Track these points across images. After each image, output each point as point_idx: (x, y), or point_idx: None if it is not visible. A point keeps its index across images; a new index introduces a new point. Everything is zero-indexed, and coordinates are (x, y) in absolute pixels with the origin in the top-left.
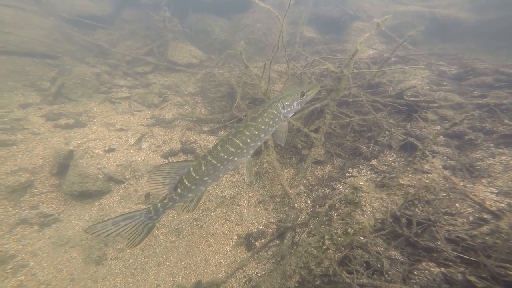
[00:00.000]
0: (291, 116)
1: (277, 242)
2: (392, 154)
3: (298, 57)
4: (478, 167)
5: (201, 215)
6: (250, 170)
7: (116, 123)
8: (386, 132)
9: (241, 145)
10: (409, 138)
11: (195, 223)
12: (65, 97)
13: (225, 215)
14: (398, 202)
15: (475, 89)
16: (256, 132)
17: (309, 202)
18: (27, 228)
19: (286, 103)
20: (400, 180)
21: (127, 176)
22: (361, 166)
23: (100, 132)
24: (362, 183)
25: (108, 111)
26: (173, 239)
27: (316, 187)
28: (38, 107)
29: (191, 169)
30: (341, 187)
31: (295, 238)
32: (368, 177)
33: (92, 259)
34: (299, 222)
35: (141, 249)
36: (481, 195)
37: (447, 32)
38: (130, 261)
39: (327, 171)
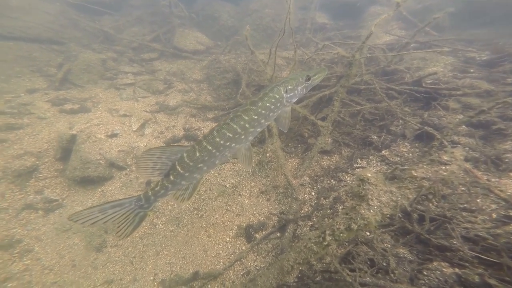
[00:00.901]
0: (295, 101)
1: (278, 234)
2: (406, 144)
3: (308, 44)
4: (506, 160)
5: (201, 204)
6: (249, 158)
7: (120, 109)
8: (400, 121)
9: (239, 130)
10: (425, 127)
11: (195, 212)
12: (71, 83)
13: (226, 205)
14: (410, 196)
15: (509, 76)
16: (256, 117)
17: (313, 194)
18: (32, 213)
19: (289, 87)
20: (413, 172)
21: (129, 162)
22: (371, 157)
23: (104, 118)
24: (369, 175)
25: (113, 97)
26: (173, 228)
27: (321, 178)
28: (44, 93)
29: (185, 155)
30: (348, 178)
31: (297, 231)
32: (378, 169)
33: (93, 246)
34: (302, 215)
35: (140, 237)
36: (509, 190)
37: (485, 16)
38: (129, 249)
39: (334, 161)
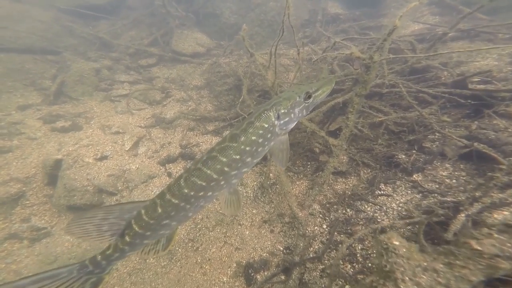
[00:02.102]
0: (292, 127)
1: (283, 277)
2: (447, 166)
3: (319, 39)
4: None
5: (197, 234)
6: (235, 203)
7: (113, 125)
8: (437, 134)
9: (215, 176)
10: (475, 144)
11: (190, 244)
12: (67, 96)
13: (224, 236)
14: (473, 279)
15: None
16: (238, 157)
17: (325, 226)
18: (16, 243)
19: (283, 111)
20: (473, 243)
21: (120, 188)
22: (398, 182)
23: (95, 136)
24: (397, 243)
25: (108, 111)
26: (165, 263)
27: (335, 206)
28: (37, 109)
29: (142, 212)
30: (369, 209)
31: (305, 276)
32: (409, 198)
33: None
34: (310, 255)
35: (129, 273)
36: None
37: None
38: (116, 287)
39: (350, 185)
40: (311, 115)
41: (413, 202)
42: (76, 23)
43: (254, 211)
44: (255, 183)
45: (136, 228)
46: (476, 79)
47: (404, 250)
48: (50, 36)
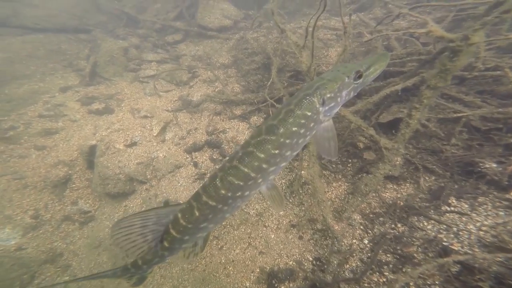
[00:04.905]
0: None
1: None
2: None
3: (371, 5)
4: None
5: (222, 232)
6: (276, 199)
7: (142, 109)
8: None
9: (253, 174)
10: None
11: (215, 242)
12: (100, 76)
13: (249, 237)
14: None
15: None
16: (276, 152)
17: (366, 242)
18: (70, 225)
19: (328, 95)
20: None
21: (149, 176)
22: (481, 198)
23: (125, 120)
24: None
25: (137, 92)
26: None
27: (381, 218)
28: (75, 90)
29: (179, 215)
30: (429, 227)
31: None
32: (500, 221)
33: None
34: (346, 274)
35: (159, 266)
36: None
37: None
38: (149, 278)
39: (403, 194)
40: (357, 106)
41: (509, 227)
42: None
43: (281, 212)
44: (283, 180)
45: (174, 233)
46: None
47: None
48: (79, 13)
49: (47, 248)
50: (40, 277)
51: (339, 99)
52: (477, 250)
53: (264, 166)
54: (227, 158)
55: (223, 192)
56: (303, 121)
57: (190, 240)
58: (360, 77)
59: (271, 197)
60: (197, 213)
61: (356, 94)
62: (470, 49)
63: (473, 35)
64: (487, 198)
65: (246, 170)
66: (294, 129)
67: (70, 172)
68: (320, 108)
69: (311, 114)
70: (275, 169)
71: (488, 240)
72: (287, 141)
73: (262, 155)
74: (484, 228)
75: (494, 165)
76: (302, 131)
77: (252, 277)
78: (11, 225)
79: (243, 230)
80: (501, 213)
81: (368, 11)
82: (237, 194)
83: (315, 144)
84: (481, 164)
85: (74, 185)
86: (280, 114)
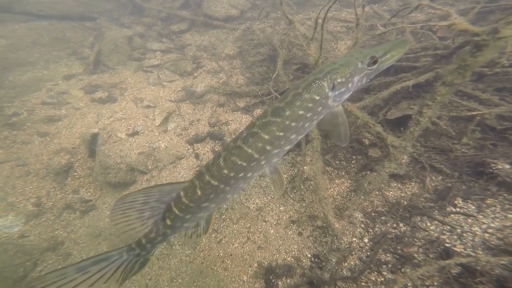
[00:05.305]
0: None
1: None
2: None
3: None
4: None
5: (221, 225)
6: (277, 183)
7: (145, 98)
8: None
9: (256, 155)
10: None
11: (214, 235)
12: (104, 65)
13: (248, 232)
14: None
15: None
16: (281, 134)
17: (366, 240)
18: (71, 213)
19: (339, 80)
20: None
21: (150, 167)
22: (489, 200)
23: (128, 109)
24: None
25: (141, 82)
26: (189, 251)
27: (383, 217)
28: (79, 78)
29: (181, 194)
30: (432, 227)
31: None
32: (509, 224)
33: None
34: (344, 273)
35: (157, 257)
36: None
37: None
38: (147, 269)
39: (408, 193)
40: (365, 102)
41: None
42: None
43: (281, 208)
44: (286, 175)
45: (176, 211)
46: None
47: None
48: (85, 0)
49: (49, 236)
50: (42, 264)
51: (350, 84)
52: (480, 252)
53: (268, 147)
54: (232, 139)
55: (225, 172)
56: (310, 105)
57: (191, 219)
58: (374, 63)
59: (272, 180)
60: (199, 192)
61: (369, 80)
62: (497, 43)
63: (505, 28)
64: (496, 200)
65: (249, 150)
66: (300, 112)
67: (72, 160)
68: (330, 93)
69: (319, 98)
70: (279, 151)
71: (493, 242)
72: (293, 124)
73: (267, 137)
74: (490, 231)
75: (508, 166)
76: (309, 115)
77: (249, 271)
78: (14, 212)
79: (242, 224)
80: (510, 215)
81: (383, 2)
82: (240, 175)
83: (326, 126)
84: (493, 165)
85: (75, 174)
86: (288, 97)
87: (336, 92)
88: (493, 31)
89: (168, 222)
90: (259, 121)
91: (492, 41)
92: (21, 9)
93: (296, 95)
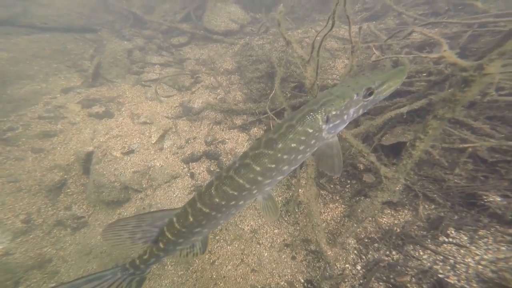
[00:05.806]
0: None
1: None
2: None
3: (384, 14)
4: None
5: (215, 246)
6: (271, 209)
7: (142, 114)
8: None
9: (247, 185)
10: None
11: (207, 256)
12: (103, 77)
13: (242, 254)
14: None
15: None
16: (273, 166)
17: (359, 267)
18: (62, 230)
19: (334, 113)
20: None
21: (144, 186)
22: (481, 231)
23: (124, 126)
24: None
25: (138, 96)
26: (182, 272)
27: (376, 244)
28: (77, 92)
29: (174, 219)
30: (425, 257)
31: None
32: (501, 256)
33: None
34: None
35: (149, 278)
36: None
37: None
38: None
39: (401, 220)
40: (359, 129)
41: (511, 263)
42: None
43: (276, 230)
44: (280, 198)
45: (169, 236)
46: None
47: None
48: (87, 13)
49: (36, 253)
50: (25, 283)
51: (345, 116)
52: (475, 285)
53: (260, 178)
54: (225, 167)
55: (217, 200)
56: (303, 137)
57: (184, 243)
58: (371, 94)
59: (265, 206)
60: (191, 219)
61: (366, 110)
62: (483, 79)
63: (488, 66)
64: (488, 232)
65: (241, 181)
66: (293, 145)
67: (65, 176)
68: (323, 126)
69: (312, 131)
70: (271, 181)
71: (487, 275)
72: (285, 156)
73: (258, 168)
74: (483, 263)
75: (499, 199)
76: (301, 147)
77: None
78: (0, 230)
79: (236, 246)
80: (503, 248)
81: (381, 20)
82: (231, 203)
83: (317, 159)
84: (484, 197)
85: (69, 190)
86: (281, 128)
87: (331, 125)
88: (479, 67)
89: (161, 245)
90: (252, 152)
91: (479, 77)
92: (26, 22)
93: (290, 127)
